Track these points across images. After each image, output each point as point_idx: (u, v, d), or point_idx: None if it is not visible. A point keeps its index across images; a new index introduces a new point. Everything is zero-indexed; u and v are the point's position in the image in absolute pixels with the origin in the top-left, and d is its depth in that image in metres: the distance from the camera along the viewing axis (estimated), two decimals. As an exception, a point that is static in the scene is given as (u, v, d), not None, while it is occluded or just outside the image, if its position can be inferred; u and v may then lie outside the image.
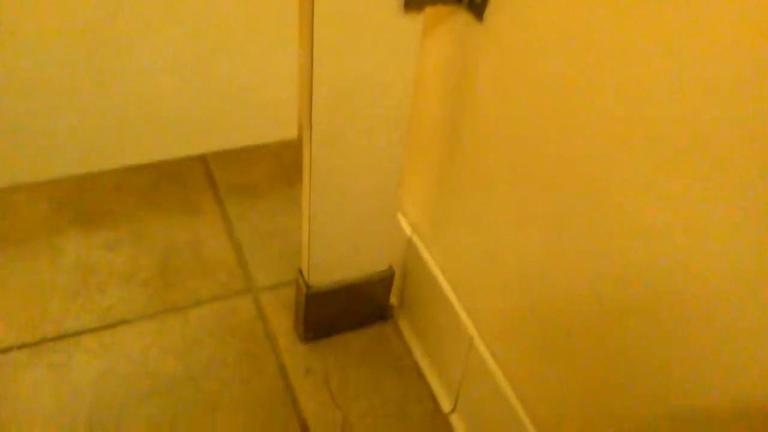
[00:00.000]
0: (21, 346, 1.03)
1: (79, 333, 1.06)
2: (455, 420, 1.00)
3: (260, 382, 1.03)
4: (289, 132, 1.20)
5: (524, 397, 0.84)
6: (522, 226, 0.78)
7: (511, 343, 0.85)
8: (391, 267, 1.05)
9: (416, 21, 0.76)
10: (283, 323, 1.11)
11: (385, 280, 1.06)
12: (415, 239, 1.04)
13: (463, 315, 0.94)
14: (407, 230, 1.06)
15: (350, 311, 1.08)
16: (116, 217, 1.24)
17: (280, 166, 1.38)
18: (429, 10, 0.77)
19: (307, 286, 1.00)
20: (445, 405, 1.02)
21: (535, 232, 0.75)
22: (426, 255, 1.01)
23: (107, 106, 1.17)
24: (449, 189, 0.92)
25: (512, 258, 0.81)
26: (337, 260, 1.00)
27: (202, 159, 1.37)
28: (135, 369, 1.02)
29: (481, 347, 0.90)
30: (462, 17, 0.80)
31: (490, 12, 0.74)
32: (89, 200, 1.26)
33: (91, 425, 0.95)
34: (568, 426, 0.77)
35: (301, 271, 1.01)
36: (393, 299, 1.12)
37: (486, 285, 0.88)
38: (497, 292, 0.86)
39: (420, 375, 1.06)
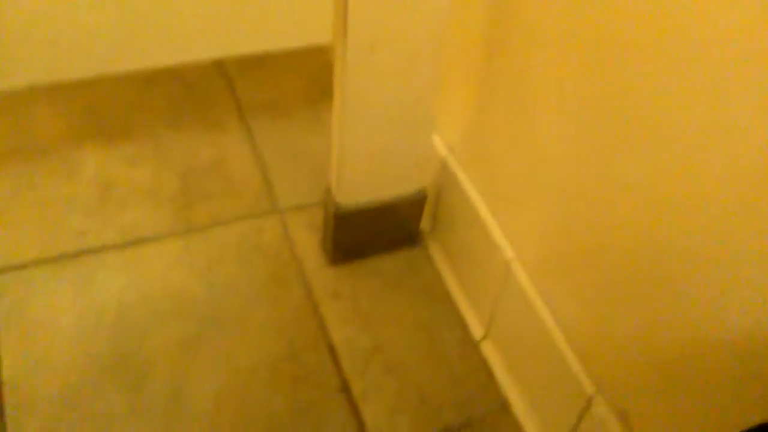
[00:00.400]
0: (40, 262, 1.00)
1: (100, 249, 1.03)
2: (486, 346, 0.97)
3: (287, 304, 1.00)
4: (320, 37, 1.11)
5: (563, 321, 0.80)
6: (565, 144, 0.72)
7: (550, 266, 0.81)
8: (424, 189, 1.00)
9: None
10: (309, 245, 1.07)
11: (418, 202, 1.02)
12: (451, 160, 0.99)
13: (500, 238, 0.89)
14: (442, 150, 1.00)
15: (380, 234, 1.04)
16: (136, 132, 1.19)
17: (306, 81, 1.32)
18: None
19: (336, 206, 0.96)
20: (477, 332, 0.99)
21: (580, 150, 0.70)
22: (462, 176, 0.96)
23: (124, 3, 1.10)
24: (488, 105, 0.87)
25: (554, 177, 0.76)
26: (368, 179, 0.95)
27: (224, 74, 1.31)
28: (159, 287, 0.99)
29: (519, 271, 0.86)
30: None
31: None
32: (108, 115, 1.21)
33: (115, 343, 0.93)
34: (608, 352, 0.73)
35: (329, 190, 0.97)
36: (424, 223, 1.08)
37: (526, 206, 0.83)
38: (537, 213, 0.81)
39: (451, 301, 1.03)
